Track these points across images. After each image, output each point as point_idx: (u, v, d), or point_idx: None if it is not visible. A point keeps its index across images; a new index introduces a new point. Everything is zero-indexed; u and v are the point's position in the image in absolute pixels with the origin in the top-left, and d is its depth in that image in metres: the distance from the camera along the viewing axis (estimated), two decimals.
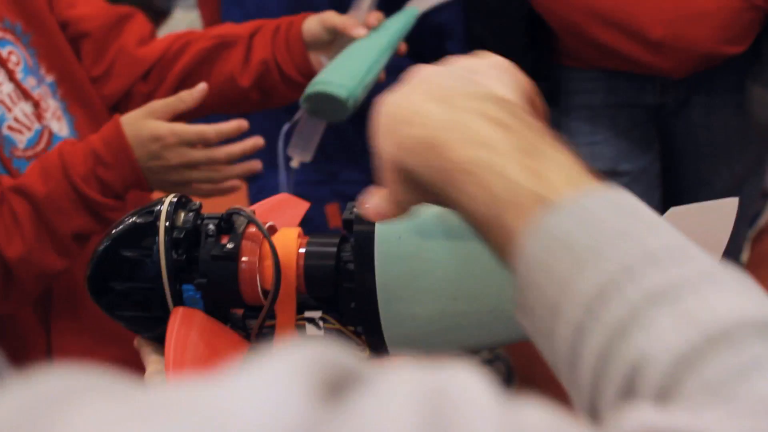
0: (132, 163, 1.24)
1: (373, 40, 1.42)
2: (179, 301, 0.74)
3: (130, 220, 0.75)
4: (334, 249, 0.73)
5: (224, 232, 0.74)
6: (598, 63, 1.66)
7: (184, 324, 0.71)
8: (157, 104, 1.28)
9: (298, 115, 1.48)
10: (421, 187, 0.57)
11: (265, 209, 0.83)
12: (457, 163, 0.53)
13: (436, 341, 0.72)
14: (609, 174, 1.75)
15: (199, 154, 1.27)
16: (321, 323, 0.74)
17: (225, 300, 0.74)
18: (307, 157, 1.51)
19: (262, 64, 1.43)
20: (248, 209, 0.75)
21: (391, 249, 0.69)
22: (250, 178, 1.89)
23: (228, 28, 1.49)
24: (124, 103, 1.43)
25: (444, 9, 1.75)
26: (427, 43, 1.68)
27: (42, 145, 1.27)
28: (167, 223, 0.73)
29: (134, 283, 0.74)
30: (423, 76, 0.61)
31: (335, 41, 1.44)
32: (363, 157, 1.77)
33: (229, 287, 0.72)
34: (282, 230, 0.75)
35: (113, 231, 0.75)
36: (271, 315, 0.73)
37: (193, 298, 0.73)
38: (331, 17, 1.43)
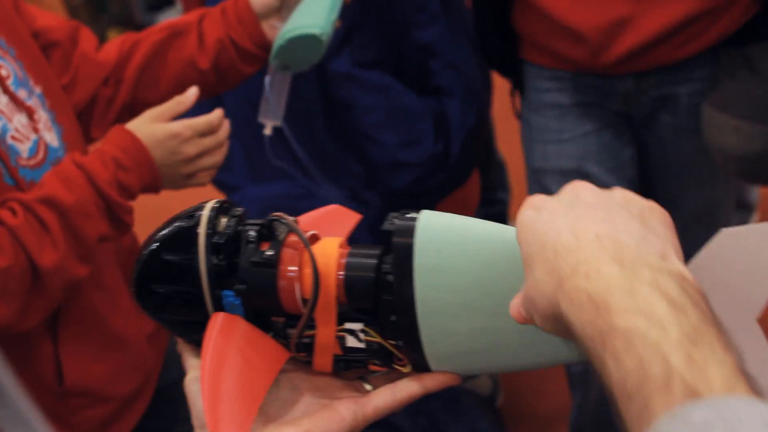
0: (150, 164, 1.31)
1: None
2: (219, 306, 0.73)
3: (174, 224, 0.75)
4: (375, 261, 0.71)
5: (265, 239, 0.73)
6: (559, 54, 1.67)
7: (223, 330, 0.71)
8: (158, 110, 1.35)
9: (269, 75, 1.50)
10: (568, 331, 0.56)
11: (312, 219, 0.82)
12: (620, 330, 0.52)
13: (477, 359, 0.71)
14: (574, 173, 1.76)
15: (209, 140, 1.36)
16: (361, 335, 0.72)
17: (264, 307, 0.73)
18: (278, 121, 1.55)
19: (218, 43, 1.48)
20: (291, 218, 0.74)
21: (430, 262, 0.68)
22: (230, 190, 1.89)
23: (174, 21, 1.54)
24: (88, 109, 1.46)
25: (429, 28, 1.76)
26: (411, 62, 1.69)
27: (41, 155, 1.28)
28: (208, 228, 0.73)
29: (176, 287, 0.74)
30: (587, 201, 0.59)
31: (283, 7, 1.49)
32: (341, 173, 1.77)
33: (268, 294, 0.72)
34: (324, 240, 0.74)
35: (157, 234, 0.75)
36: (312, 325, 0.73)
37: (233, 304, 0.73)
38: None
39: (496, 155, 2.58)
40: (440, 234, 0.68)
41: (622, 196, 0.60)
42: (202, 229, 0.73)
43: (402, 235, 0.69)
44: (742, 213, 2.62)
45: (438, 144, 1.79)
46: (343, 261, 0.72)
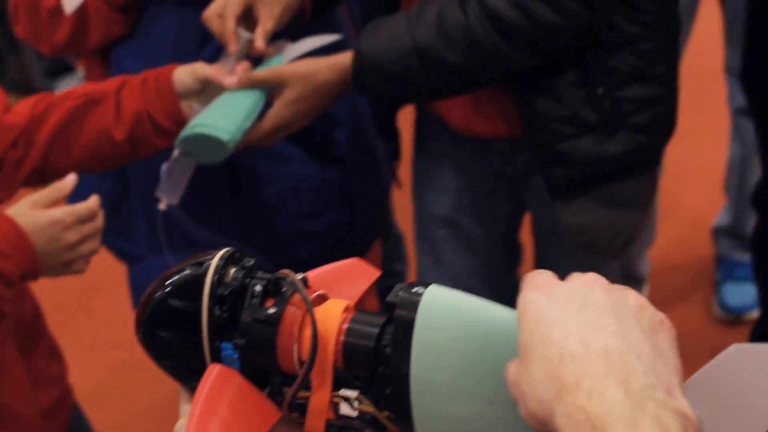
0: (31, 251, 1.28)
1: (246, 89, 1.48)
2: (217, 358, 0.72)
3: (185, 270, 0.74)
4: (377, 330, 0.70)
5: (271, 295, 0.72)
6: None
7: (216, 383, 0.70)
8: (37, 197, 1.33)
9: (171, 158, 1.49)
10: None
11: (327, 273, 0.80)
12: None
13: None
14: (447, 221, 1.80)
15: (89, 227, 1.35)
16: (356, 403, 0.71)
17: (261, 364, 0.72)
18: (175, 200, 1.54)
19: (134, 116, 1.48)
20: (299, 275, 0.74)
21: (430, 340, 0.66)
22: (132, 260, 1.86)
23: (92, 86, 1.53)
24: None
25: None
26: (315, 131, 1.70)
27: None
28: (215, 278, 0.72)
29: (178, 334, 0.74)
30: (600, 303, 0.58)
31: (205, 90, 1.50)
32: (244, 244, 1.76)
33: (266, 352, 0.71)
34: (330, 301, 0.74)
35: (168, 279, 0.75)
36: (308, 386, 0.72)
37: (231, 357, 0.72)
38: (201, 68, 1.49)
39: (394, 227, 2.60)
40: (444, 312, 0.67)
41: (635, 302, 0.59)
42: (207, 279, 0.72)
43: (404, 308, 0.68)
44: (632, 285, 2.69)
45: (342, 214, 1.80)
46: (345, 326, 0.71)
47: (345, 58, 1.49)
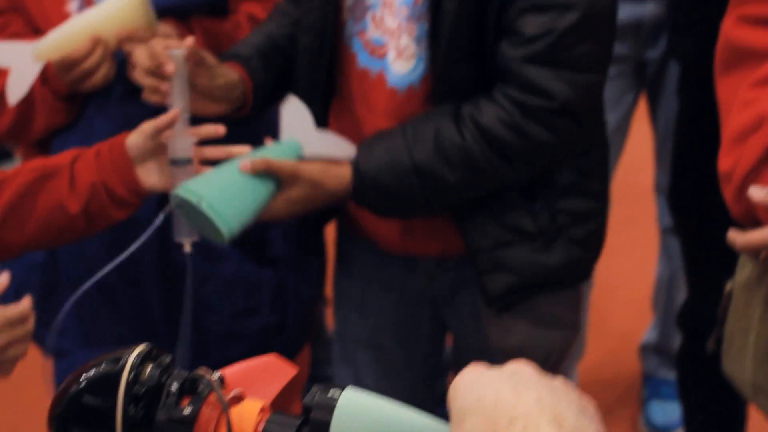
0: None
1: (262, 177, 1.46)
2: None
3: (101, 365, 0.74)
4: None
5: (188, 394, 0.73)
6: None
7: None
8: None
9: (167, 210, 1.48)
10: None
11: (243, 370, 0.80)
12: None
13: None
14: (370, 343, 1.80)
15: (19, 330, 1.31)
16: None
17: None
18: (195, 237, 1.52)
19: (90, 188, 1.46)
20: (216, 374, 0.74)
21: None
22: (58, 355, 1.83)
23: (45, 161, 1.52)
24: None
25: None
26: (251, 231, 1.71)
27: None
28: (131, 375, 0.72)
29: (90, 431, 0.73)
30: (529, 375, 0.61)
31: (159, 148, 1.48)
32: (173, 343, 1.74)
33: None
34: (246, 402, 0.74)
35: (83, 374, 0.74)
36: None
37: None
38: (147, 125, 1.47)
39: (325, 330, 2.60)
40: (359, 416, 0.68)
41: (561, 382, 0.62)
42: (123, 377, 0.72)
43: (320, 411, 0.69)
44: None
45: (274, 315, 1.80)
46: (260, 428, 0.72)
47: (349, 172, 1.51)
